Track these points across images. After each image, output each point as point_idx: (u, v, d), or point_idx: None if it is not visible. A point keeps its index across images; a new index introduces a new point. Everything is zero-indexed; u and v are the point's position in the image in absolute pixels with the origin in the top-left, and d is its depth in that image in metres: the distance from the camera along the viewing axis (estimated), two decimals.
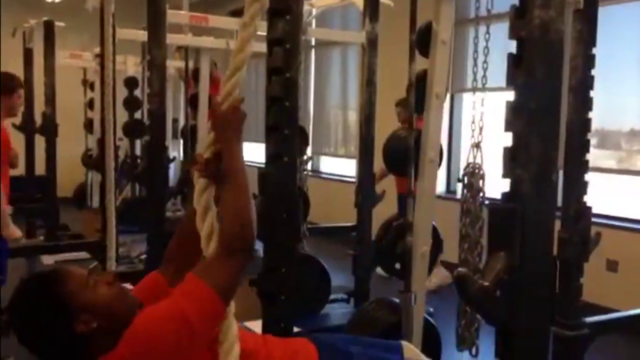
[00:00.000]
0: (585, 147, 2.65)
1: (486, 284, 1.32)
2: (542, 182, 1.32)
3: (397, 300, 2.93)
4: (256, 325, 3.52)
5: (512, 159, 1.32)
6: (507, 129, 1.31)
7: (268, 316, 2.34)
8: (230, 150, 1.52)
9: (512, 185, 1.33)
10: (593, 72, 2.65)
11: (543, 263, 1.35)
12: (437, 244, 2.85)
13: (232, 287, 1.47)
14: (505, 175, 1.33)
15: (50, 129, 5.84)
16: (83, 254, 5.48)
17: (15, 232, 3.62)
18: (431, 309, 2.89)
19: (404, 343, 2.05)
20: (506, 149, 1.33)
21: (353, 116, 7.80)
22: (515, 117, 1.31)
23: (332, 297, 4.15)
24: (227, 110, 1.52)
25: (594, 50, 2.60)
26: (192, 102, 4.89)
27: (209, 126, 1.57)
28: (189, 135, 4.97)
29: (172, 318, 1.41)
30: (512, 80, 1.30)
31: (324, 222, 5.86)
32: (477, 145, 2.55)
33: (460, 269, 1.44)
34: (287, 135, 2.13)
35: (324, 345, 1.73)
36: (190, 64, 5.47)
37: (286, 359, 1.66)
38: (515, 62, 1.29)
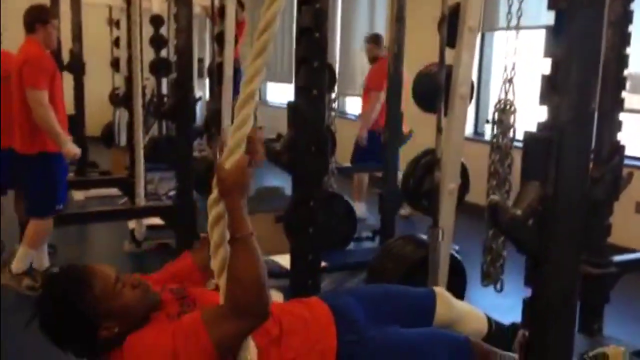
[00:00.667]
0: (621, 84, 2.59)
1: (518, 213, 1.31)
2: (581, 111, 1.29)
3: (423, 237, 2.95)
4: (284, 259, 3.60)
5: (551, 87, 1.29)
6: (546, 55, 1.28)
7: (296, 249, 2.38)
8: (236, 215, 1.42)
9: (550, 113, 1.30)
10: (632, 6, 2.56)
11: (577, 193, 1.33)
12: (464, 181, 2.84)
13: (232, 345, 1.46)
14: (542, 103, 1.30)
15: (77, 67, 5.87)
16: (112, 191, 5.60)
17: (74, 149, 3.69)
18: (457, 247, 2.90)
19: (435, 289, 2.10)
20: (544, 77, 1.30)
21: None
22: (556, 43, 1.27)
23: (357, 235, 4.19)
24: (232, 172, 1.39)
25: None
26: (219, 39, 4.83)
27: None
28: (215, 73, 4.94)
29: (164, 354, 1.42)
30: (553, 4, 1.26)
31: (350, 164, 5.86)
32: (509, 81, 2.50)
33: (492, 196, 1.43)
34: (316, 68, 2.11)
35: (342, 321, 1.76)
36: (216, 1, 5.40)
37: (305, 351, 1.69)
38: None
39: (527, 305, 1.40)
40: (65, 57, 6.19)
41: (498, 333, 2.16)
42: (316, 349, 1.70)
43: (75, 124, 5.93)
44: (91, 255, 4.86)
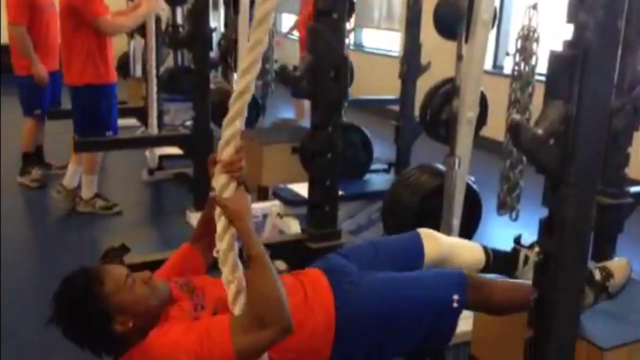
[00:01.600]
0: None
1: (539, 132, 1.32)
2: (607, 29, 1.27)
3: (440, 166, 2.96)
4: (301, 188, 3.64)
5: (578, 4, 1.27)
6: None
7: (314, 176, 2.40)
8: (247, 237, 1.50)
9: (575, 31, 1.28)
10: None
11: (600, 113, 1.33)
12: (482, 110, 2.82)
13: (254, 355, 1.51)
14: (569, 21, 1.29)
15: None
16: (130, 121, 5.63)
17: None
18: (472, 178, 2.91)
19: (420, 231, 2.07)
20: None
21: None
22: None
23: (372, 167, 4.21)
24: (232, 201, 1.48)
25: None
26: None
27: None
28: (232, 3, 4.87)
29: (188, 353, 1.46)
30: None
31: (366, 96, 5.83)
32: (533, 7, 2.45)
33: (514, 116, 1.43)
34: None
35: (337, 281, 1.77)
36: None
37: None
38: None
39: (544, 224, 1.42)
40: None
41: (499, 260, 2.13)
42: (315, 306, 1.74)
43: None
44: (110, 185, 4.94)
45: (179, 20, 6.14)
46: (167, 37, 5.55)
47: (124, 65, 7.02)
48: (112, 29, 3.90)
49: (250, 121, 4.75)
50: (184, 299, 1.62)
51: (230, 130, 1.49)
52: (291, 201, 3.40)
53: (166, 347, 1.49)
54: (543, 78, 1.38)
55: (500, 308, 1.88)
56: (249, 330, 1.47)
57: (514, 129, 1.31)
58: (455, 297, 1.78)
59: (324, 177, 2.33)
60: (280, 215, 3.37)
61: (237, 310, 1.50)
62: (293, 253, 2.29)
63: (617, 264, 1.97)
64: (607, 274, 1.90)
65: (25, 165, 4.75)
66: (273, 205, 3.47)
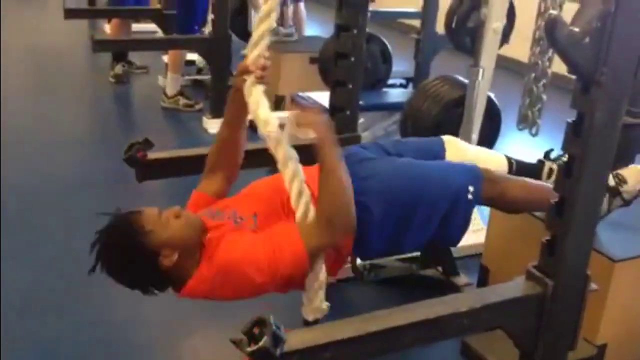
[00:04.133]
0: None
1: (576, 29, 1.29)
2: None
3: (461, 78, 2.93)
4: (320, 95, 3.63)
5: None
6: None
7: (337, 78, 2.37)
8: (332, 151, 1.58)
9: None
10: None
11: (638, 15, 1.30)
12: (510, 20, 2.76)
13: (321, 253, 1.57)
14: None
15: None
16: (145, 26, 5.55)
17: None
18: (492, 94, 2.88)
19: (445, 137, 2.06)
20: None
21: None
22: None
23: (390, 81, 4.16)
24: (316, 116, 1.61)
25: None
26: None
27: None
28: None
29: (265, 253, 1.51)
30: None
31: (386, 8, 5.68)
32: None
33: (552, 11, 1.40)
34: None
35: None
36: None
37: None
38: None
39: (571, 127, 1.42)
40: None
41: (523, 172, 2.09)
42: None
43: None
44: (128, 93, 4.94)
45: None
46: None
47: None
48: None
49: None
50: (218, 221, 1.66)
51: (261, 34, 1.54)
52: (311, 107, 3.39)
53: (238, 262, 1.53)
54: None
55: (515, 203, 1.87)
56: (317, 231, 1.54)
57: (550, 25, 1.28)
58: (471, 188, 1.77)
59: (347, 81, 2.31)
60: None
61: (300, 210, 1.56)
62: (313, 158, 2.31)
63: (631, 170, 1.98)
64: (621, 180, 1.91)
65: (113, 60, 4.93)
66: (291, 114, 3.46)
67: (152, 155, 2.07)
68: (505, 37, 2.75)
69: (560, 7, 2.51)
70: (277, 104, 4.18)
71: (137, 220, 1.57)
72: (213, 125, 3.83)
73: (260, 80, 1.62)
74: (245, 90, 1.61)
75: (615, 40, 1.30)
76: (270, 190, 1.72)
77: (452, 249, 2.37)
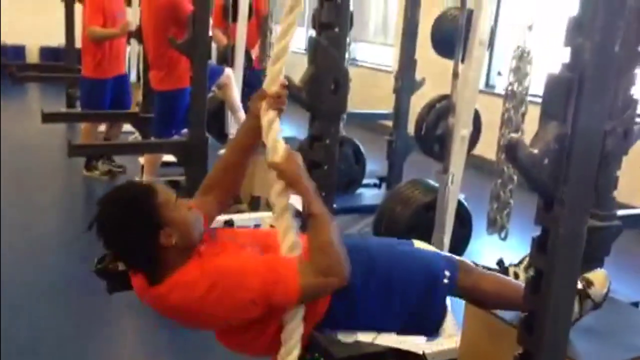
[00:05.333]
0: None
1: (535, 151, 1.35)
2: (604, 53, 1.31)
3: (432, 182, 3.00)
4: (296, 199, 3.65)
5: (576, 28, 1.31)
6: None
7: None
8: (308, 197, 1.62)
9: (572, 54, 1.32)
10: None
11: (594, 133, 1.37)
12: (476, 128, 2.87)
13: (313, 296, 1.61)
14: (566, 44, 1.32)
15: None
16: (124, 127, 5.63)
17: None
18: (463, 195, 2.95)
19: (415, 241, 2.11)
20: (571, 18, 1.31)
21: (394, 4, 7.59)
22: None
23: (364, 181, 4.23)
24: (287, 161, 1.61)
25: None
26: None
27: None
28: (230, 12, 4.91)
29: (254, 278, 1.52)
30: None
31: (359, 110, 5.87)
32: (529, 28, 2.50)
33: (512, 134, 1.46)
34: (340, 4, 2.11)
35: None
36: None
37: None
38: None
39: (536, 242, 1.45)
40: None
41: None
42: None
43: None
44: (101, 187, 4.93)
45: None
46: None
47: None
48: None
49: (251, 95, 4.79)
50: (217, 240, 1.68)
51: (279, 66, 1.64)
52: None
53: (236, 268, 1.54)
54: (535, 99, 1.42)
55: (487, 297, 1.88)
56: (314, 275, 1.55)
57: (511, 147, 1.34)
58: (447, 273, 1.79)
59: (320, 189, 2.35)
60: (272, 226, 3.38)
61: (270, 140, 1.62)
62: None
63: (596, 273, 2.02)
64: (588, 282, 1.94)
65: (90, 160, 4.96)
66: (267, 216, 3.48)
67: (123, 265, 2.05)
68: (473, 143, 2.85)
69: (523, 116, 2.63)
70: (253, 204, 4.21)
71: (154, 190, 1.57)
72: None
73: (274, 106, 1.65)
74: (261, 115, 1.66)
75: (573, 160, 1.36)
76: (266, 237, 1.78)
77: (427, 353, 2.33)
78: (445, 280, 1.79)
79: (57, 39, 6.76)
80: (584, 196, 1.43)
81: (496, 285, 1.90)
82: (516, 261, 2.20)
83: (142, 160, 4.73)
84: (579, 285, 1.96)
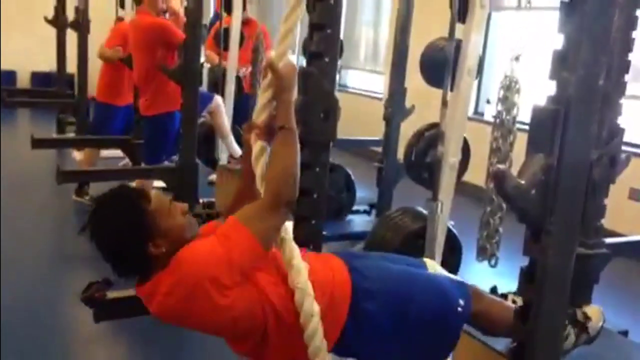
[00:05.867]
0: (625, 67, 2.62)
1: (522, 182, 1.36)
2: (588, 86, 1.33)
3: (421, 209, 3.01)
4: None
5: (561, 62, 1.33)
6: (559, 31, 1.32)
7: (300, 214, 2.42)
8: (286, 109, 1.63)
9: (558, 88, 1.34)
10: None
11: (580, 165, 1.39)
12: (465, 156, 2.89)
13: (270, 237, 1.58)
14: (552, 78, 1.35)
15: (82, 25, 5.84)
16: (114, 152, 5.63)
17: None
18: (452, 223, 2.96)
19: (425, 259, 2.13)
20: (555, 52, 1.34)
21: (384, 33, 7.68)
22: (568, 20, 1.31)
23: (354, 208, 4.24)
24: (284, 72, 1.62)
25: None
26: (227, 5, 4.84)
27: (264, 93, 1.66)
28: (222, 39, 4.95)
29: (214, 253, 1.50)
30: None
31: (350, 137, 5.90)
32: (517, 59, 2.54)
33: (499, 165, 1.48)
34: (330, 34, 2.14)
35: (355, 267, 1.79)
36: None
37: (325, 271, 1.74)
38: None
39: (524, 272, 1.46)
40: (70, 14, 6.17)
41: None
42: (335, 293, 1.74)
43: (78, 82, 5.95)
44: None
45: None
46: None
47: None
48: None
49: (241, 120, 4.82)
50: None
51: (267, 94, 1.66)
52: None
53: (197, 259, 1.51)
54: (524, 127, 1.44)
55: (497, 323, 1.89)
56: (257, 215, 1.55)
57: (498, 179, 1.35)
58: (461, 302, 1.80)
59: (310, 217, 2.36)
60: None
61: (259, 169, 1.65)
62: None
63: (592, 309, 2.05)
64: (586, 317, 1.97)
65: (81, 185, 4.92)
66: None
67: (111, 294, 2.04)
68: (462, 171, 2.87)
69: (511, 145, 2.66)
70: None
71: (147, 195, 1.57)
72: None
73: (262, 137, 1.67)
74: (252, 145, 1.69)
75: (559, 191, 1.38)
76: None
77: None
78: (460, 309, 1.80)
79: (49, 65, 6.77)
80: (571, 227, 1.45)
81: (505, 312, 1.90)
82: (514, 289, 2.20)
83: (134, 185, 4.72)
84: (579, 317, 1.98)
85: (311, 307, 1.60)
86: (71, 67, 6.41)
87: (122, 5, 6.72)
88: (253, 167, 1.68)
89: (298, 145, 1.63)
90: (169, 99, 4.07)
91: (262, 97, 1.68)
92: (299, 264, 1.63)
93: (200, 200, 4.63)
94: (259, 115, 1.68)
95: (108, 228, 1.55)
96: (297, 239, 2.43)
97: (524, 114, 1.60)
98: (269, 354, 1.66)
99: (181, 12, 4.19)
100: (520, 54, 2.55)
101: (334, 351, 1.72)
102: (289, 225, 1.70)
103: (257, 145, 1.67)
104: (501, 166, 1.36)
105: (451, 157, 2.67)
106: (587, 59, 1.31)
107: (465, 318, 1.82)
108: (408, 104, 4.19)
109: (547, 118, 1.33)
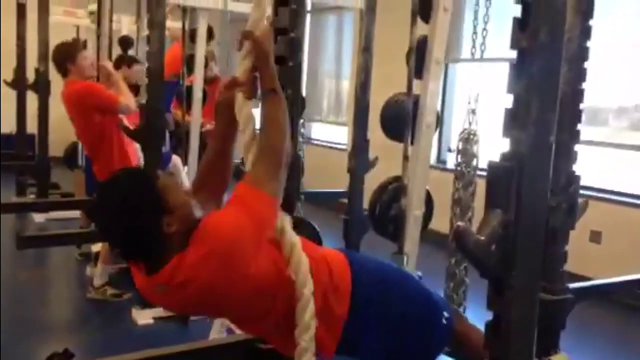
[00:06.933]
0: (577, 117, 2.71)
1: (482, 238, 1.39)
2: (540, 144, 1.38)
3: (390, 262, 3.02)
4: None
5: (512, 120, 1.37)
6: (509, 91, 1.37)
7: None
8: (270, 73, 1.68)
9: (511, 145, 1.38)
10: (589, 43, 2.69)
11: (536, 219, 1.42)
12: (428, 208, 2.93)
13: (281, 188, 1.66)
14: (504, 135, 1.39)
15: (43, 86, 5.80)
16: (74, 213, 5.53)
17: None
18: (419, 273, 2.96)
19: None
20: (507, 110, 1.38)
21: (345, 84, 7.83)
22: (517, 80, 1.36)
23: None
24: (261, 37, 1.67)
25: (591, 22, 2.63)
26: (189, 62, 4.89)
27: (242, 52, 1.70)
28: (184, 96, 4.98)
29: (239, 220, 1.54)
30: (515, 44, 1.35)
31: (315, 189, 5.93)
32: (472, 112, 2.61)
33: (459, 223, 1.50)
34: (290, 95, 2.17)
35: (355, 261, 1.86)
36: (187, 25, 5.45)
37: (324, 262, 1.80)
38: (519, 26, 1.33)
39: (489, 328, 1.47)
40: (30, 76, 6.14)
41: None
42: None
43: (38, 143, 5.87)
44: (52, 279, 4.79)
45: None
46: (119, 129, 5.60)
47: (71, 155, 6.98)
48: (132, 106, 4.08)
49: None
50: None
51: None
52: None
53: (225, 230, 1.53)
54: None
55: (472, 349, 1.90)
56: (264, 174, 1.61)
57: (458, 236, 1.38)
58: (446, 314, 1.83)
59: None
60: None
61: (250, 155, 1.68)
62: (243, 354, 2.25)
63: (559, 356, 2.05)
64: None
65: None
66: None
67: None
68: (426, 222, 2.90)
69: (473, 195, 2.70)
70: None
71: (153, 174, 1.61)
72: (143, 317, 3.71)
73: (245, 94, 1.70)
74: (237, 107, 1.70)
75: (519, 245, 1.40)
76: None
77: None
78: (444, 322, 1.83)
79: (9, 126, 6.69)
80: (532, 279, 1.47)
81: (480, 339, 1.93)
82: None
83: (95, 248, 4.64)
84: None
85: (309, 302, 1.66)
86: (31, 127, 6.34)
87: None
88: (237, 116, 1.70)
89: (284, 103, 1.70)
90: (121, 160, 4.06)
91: (241, 65, 1.70)
92: (300, 256, 1.68)
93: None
94: (241, 73, 1.70)
95: (121, 205, 1.54)
96: None
97: (485, 160, 1.65)
98: (277, 333, 1.72)
99: (114, 72, 4.19)
100: (475, 107, 2.62)
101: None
102: (288, 217, 1.76)
103: (239, 97, 1.70)
104: (461, 223, 1.38)
105: (415, 209, 2.70)
106: (537, 117, 1.35)
107: (449, 332, 1.84)
108: (372, 155, 4.24)
109: (502, 175, 1.37)
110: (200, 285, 1.52)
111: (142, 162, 4.15)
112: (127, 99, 4.05)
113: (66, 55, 4.05)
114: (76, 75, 4.06)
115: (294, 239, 1.71)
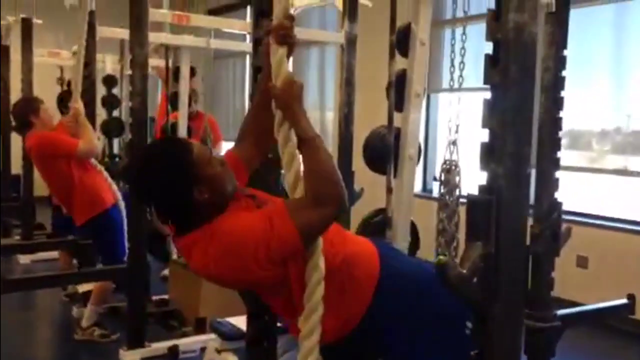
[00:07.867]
0: (556, 145, 2.75)
1: (464, 271, 1.40)
2: (516, 176, 1.40)
3: None
4: (239, 321, 3.58)
5: (488, 154, 1.40)
6: (484, 126, 1.39)
7: (253, 309, 2.40)
8: (299, 123, 1.64)
9: (488, 178, 1.41)
10: (564, 73, 2.75)
11: (516, 250, 1.43)
12: (414, 238, 2.94)
13: (315, 233, 1.62)
14: (482, 169, 1.41)
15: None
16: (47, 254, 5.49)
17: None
18: None
19: None
20: (483, 145, 1.41)
21: (330, 116, 7.89)
22: (491, 115, 1.39)
23: None
24: (284, 88, 1.64)
25: (565, 52, 2.70)
26: (173, 100, 4.92)
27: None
28: (169, 132, 5.00)
29: (254, 230, 1.56)
30: (488, 80, 1.39)
31: None
32: (453, 143, 2.64)
33: (441, 256, 1.52)
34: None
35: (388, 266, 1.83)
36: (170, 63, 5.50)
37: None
38: (491, 63, 1.37)
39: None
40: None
41: None
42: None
43: (23, 184, 5.84)
44: (38, 322, 4.73)
45: (116, 150, 6.24)
46: (104, 167, 5.60)
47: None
48: (93, 148, 4.05)
49: None
50: (246, 201, 1.72)
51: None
52: (230, 335, 3.33)
53: (236, 231, 1.57)
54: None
55: None
56: (306, 208, 1.58)
57: (441, 269, 1.39)
58: (468, 324, 1.79)
59: (263, 311, 2.33)
60: (218, 351, 3.29)
61: (296, 196, 1.63)
62: None
63: None
64: None
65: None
66: (211, 339, 3.40)
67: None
68: (413, 252, 2.91)
69: (456, 225, 2.72)
70: (199, 327, 4.10)
71: (189, 144, 1.65)
72: (131, 357, 3.67)
73: (282, 42, 1.65)
74: (271, 51, 1.67)
75: (500, 277, 1.42)
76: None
77: None
78: (467, 332, 1.79)
79: None
80: (515, 310, 1.48)
81: None
82: None
83: (81, 288, 4.57)
84: None
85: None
86: (16, 167, 6.32)
87: (66, 107, 6.76)
88: (273, 77, 1.67)
89: (325, 149, 1.63)
90: (93, 201, 4.03)
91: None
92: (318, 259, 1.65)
93: (153, 298, 4.52)
94: (277, 18, 1.68)
95: (152, 176, 1.62)
96: (250, 335, 2.41)
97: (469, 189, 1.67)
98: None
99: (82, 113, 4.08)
100: (455, 138, 2.65)
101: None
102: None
103: (278, 52, 1.66)
104: (442, 257, 1.39)
105: (401, 241, 2.71)
106: (513, 151, 1.38)
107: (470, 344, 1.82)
108: (357, 186, 4.26)
109: (481, 208, 1.39)
110: (209, 266, 1.61)
111: (118, 195, 4.18)
112: (88, 143, 3.97)
113: (29, 109, 4.08)
114: (40, 127, 4.06)
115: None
